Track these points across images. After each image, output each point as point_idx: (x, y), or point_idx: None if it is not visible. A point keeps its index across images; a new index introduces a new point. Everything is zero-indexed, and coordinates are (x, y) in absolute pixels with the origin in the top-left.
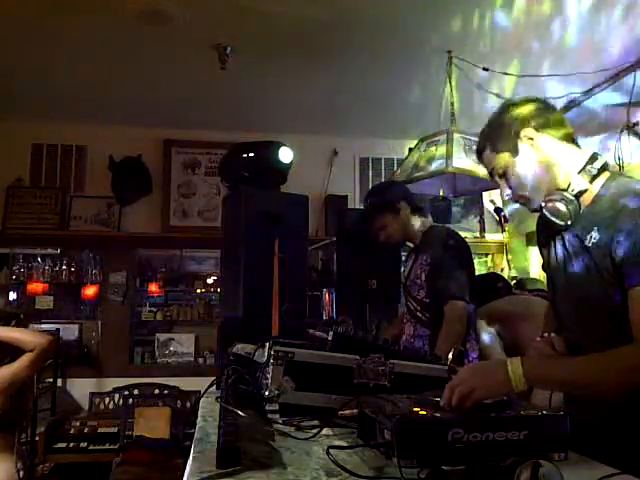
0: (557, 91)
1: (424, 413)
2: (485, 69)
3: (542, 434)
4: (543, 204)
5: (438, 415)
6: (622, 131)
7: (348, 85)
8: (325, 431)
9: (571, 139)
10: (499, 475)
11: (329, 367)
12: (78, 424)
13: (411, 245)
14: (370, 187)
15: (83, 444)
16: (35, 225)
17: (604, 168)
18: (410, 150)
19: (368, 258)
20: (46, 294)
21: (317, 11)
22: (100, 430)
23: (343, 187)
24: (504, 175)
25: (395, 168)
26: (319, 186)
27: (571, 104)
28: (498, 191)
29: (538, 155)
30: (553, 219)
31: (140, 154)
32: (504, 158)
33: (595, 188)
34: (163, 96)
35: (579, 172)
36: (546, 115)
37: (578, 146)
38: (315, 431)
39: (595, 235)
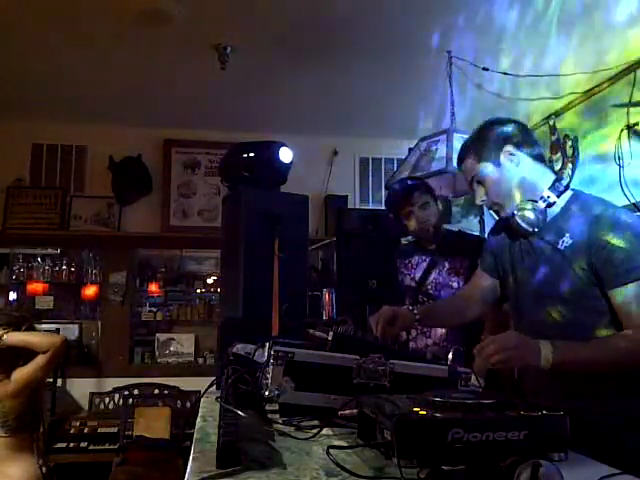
0: (557, 91)
1: (424, 413)
2: (485, 69)
3: (542, 434)
4: (515, 211)
5: (438, 415)
6: (622, 131)
7: (348, 85)
8: (325, 431)
9: (542, 159)
10: (499, 475)
11: (329, 367)
12: (78, 424)
13: (404, 241)
14: (370, 188)
15: (83, 444)
16: (35, 225)
17: (568, 186)
18: (410, 150)
19: (368, 258)
20: (46, 294)
21: (317, 11)
22: (100, 430)
23: (343, 187)
24: (482, 182)
25: (395, 168)
26: (319, 186)
27: (571, 104)
28: None
29: (516, 169)
30: (524, 225)
31: (140, 154)
32: (487, 167)
33: (562, 202)
34: (163, 96)
35: (549, 187)
36: (525, 136)
37: (547, 166)
38: (315, 431)
39: (568, 240)
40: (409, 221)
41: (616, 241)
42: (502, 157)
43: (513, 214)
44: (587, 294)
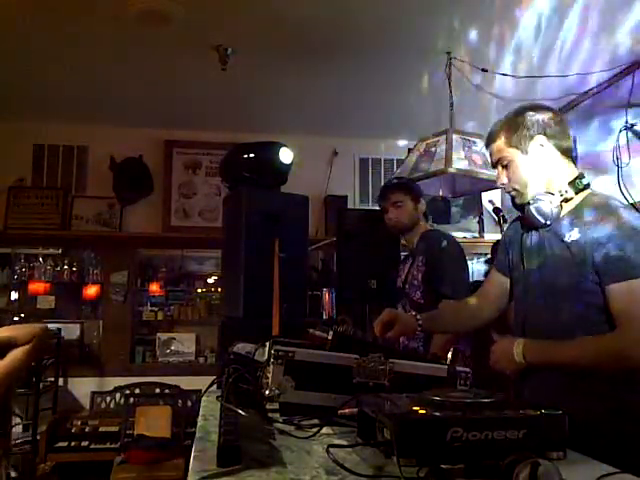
0: (556, 92)
1: (423, 412)
2: (484, 70)
3: (541, 433)
4: (531, 201)
5: (437, 414)
6: (621, 131)
7: (348, 85)
8: (325, 430)
9: (570, 153)
10: (498, 474)
11: (329, 366)
12: (79, 423)
13: (403, 242)
14: (370, 188)
15: (84, 443)
16: (37, 225)
17: (588, 186)
18: (410, 150)
19: (368, 258)
20: (47, 294)
21: (317, 12)
22: (101, 429)
23: (343, 187)
24: (507, 167)
25: (395, 168)
26: (319, 186)
27: (570, 105)
28: (496, 192)
29: (542, 160)
30: (537, 216)
31: (141, 154)
32: (514, 153)
33: (578, 199)
34: (164, 96)
35: (569, 183)
36: (558, 128)
37: (573, 160)
38: (315, 430)
39: (575, 235)
40: (385, 216)
41: (619, 239)
42: (531, 146)
43: (529, 203)
44: (587, 289)
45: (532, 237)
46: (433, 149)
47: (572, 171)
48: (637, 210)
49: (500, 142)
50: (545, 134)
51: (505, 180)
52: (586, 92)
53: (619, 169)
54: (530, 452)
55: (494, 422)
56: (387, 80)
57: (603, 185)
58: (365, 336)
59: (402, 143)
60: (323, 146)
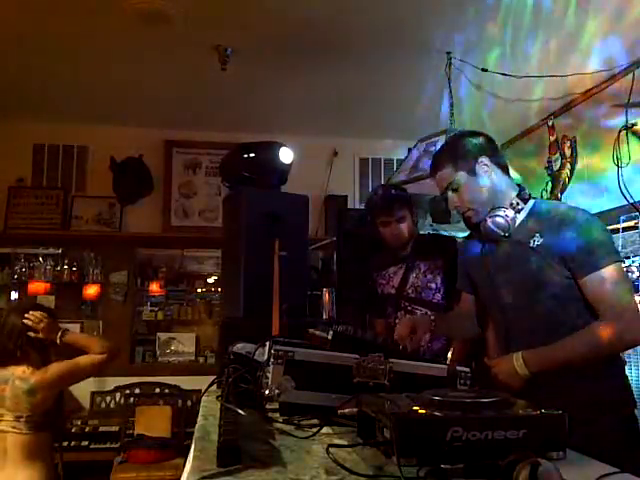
0: (555, 92)
1: (423, 412)
2: (484, 70)
3: (541, 433)
4: (487, 217)
5: (437, 414)
6: (620, 131)
7: (348, 85)
8: (325, 430)
9: (507, 170)
10: (498, 474)
11: (329, 366)
12: (79, 423)
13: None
14: (370, 188)
15: (84, 443)
16: (37, 225)
17: (530, 196)
18: (409, 150)
19: (368, 258)
20: (47, 294)
21: (317, 12)
22: (101, 429)
23: (343, 187)
24: (457, 190)
25: (395, 168)
26: (319, 186)
27: (570, 104)
28: None
29: (488, 178)
30: (495, 229)
31: (141, 154)
32: (462, 176)
33: (527, 208)
34: (164, 96)
35: (517, 195)
36: (494, 148)
37: (509, 177)
38: (315, 430)
39: (538, 239)
40: (384, 229)
41: (580, 235)
42: (477, 167)
43: (485, 219)
44: (562, 285)
45: (495, 252)
46: (433, 149)
47: (514, 184)
48: (637, 210)
49: (448, 169)
50: (486, 154)
51: (458, 203)
52: (586, 92)
53: (619, 169)
54: (530, 452)
55: (494, 422)
56: (387, 80)
57: (602, 185)
58: (365, 335)
59: (402, 143)
60: (323, 146)
